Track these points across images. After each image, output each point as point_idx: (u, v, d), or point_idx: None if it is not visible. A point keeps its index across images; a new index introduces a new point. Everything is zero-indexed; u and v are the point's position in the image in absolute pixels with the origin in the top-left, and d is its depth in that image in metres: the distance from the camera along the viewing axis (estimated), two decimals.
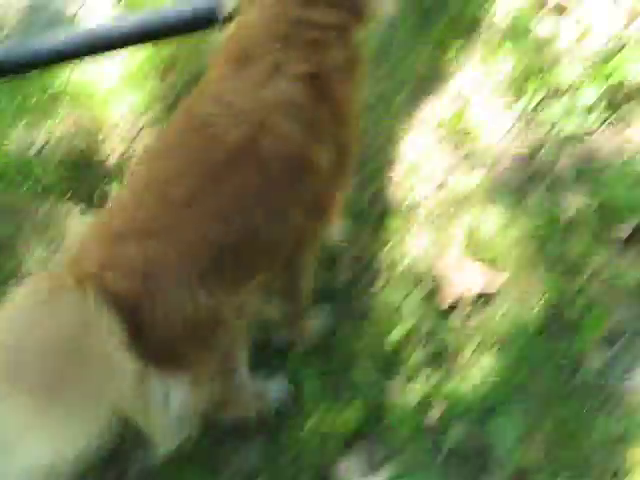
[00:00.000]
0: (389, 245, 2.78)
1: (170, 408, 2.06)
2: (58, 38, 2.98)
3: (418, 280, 2.63)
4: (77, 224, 2.85)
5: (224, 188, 2.12)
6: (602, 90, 2.86)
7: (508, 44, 2.95)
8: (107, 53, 2.97)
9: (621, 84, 2.86)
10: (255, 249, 2.22)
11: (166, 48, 3.07)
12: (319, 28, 2.28)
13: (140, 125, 2.95)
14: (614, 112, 2.85)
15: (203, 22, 2.91)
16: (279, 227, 2.27)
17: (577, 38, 2.96)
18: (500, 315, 2.54)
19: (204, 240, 2.07)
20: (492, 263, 2.65)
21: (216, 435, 2.51)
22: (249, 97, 2.17)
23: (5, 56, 3.01)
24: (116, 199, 2.31)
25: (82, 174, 2.91)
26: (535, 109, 2.87)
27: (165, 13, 2.97)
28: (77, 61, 3.01)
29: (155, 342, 2.01)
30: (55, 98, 2.96)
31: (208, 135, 2.13)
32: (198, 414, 2.19)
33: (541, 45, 2.93)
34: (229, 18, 2.44)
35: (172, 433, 2.14)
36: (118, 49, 2.96)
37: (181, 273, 2.03)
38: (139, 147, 2.90)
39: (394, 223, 2.80)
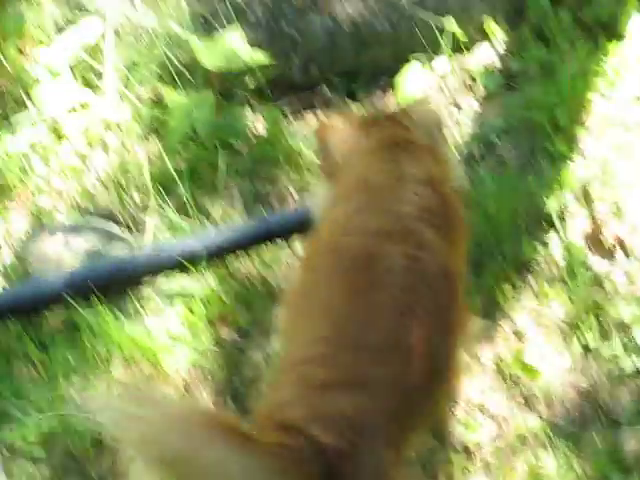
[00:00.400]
0: None
1: None
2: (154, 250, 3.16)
3: None
4: None
5: (417, 329, 2.10)
6: None
7: (564, 280, 2.96)
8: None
9: None
10: (439, 389, 2.25)
11: (216, 304, 3.05)
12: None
13: (195, 375, 2.93)
14: None
15: (297, 227, 3.07)
16: (454, 357, 2.29)
17: (633, 274, 2.94)
18: None
19: (404, 391, 2.04)
20: None
21: None
22: (390, 217, 2.26)
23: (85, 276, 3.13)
24: (307, 345, 2.21)
25: None
26: (593, 346, 2.83)
27: (268, 219, 3.17)
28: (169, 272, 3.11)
29: None
30: (111, 351, 2.99)
31: (376, 269, 2.16)
32: None
33: (597, 281, 2.93)
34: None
35: None
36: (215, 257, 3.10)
37: (390, 432, 2.00)
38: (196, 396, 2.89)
39: (454, 463, 2.71)
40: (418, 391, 2.10)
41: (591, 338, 2.79)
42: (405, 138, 2.53)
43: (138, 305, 3.03)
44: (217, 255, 3.16)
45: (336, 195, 2.52)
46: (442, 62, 3.56)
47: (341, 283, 2.17)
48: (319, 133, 2.73)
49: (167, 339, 2.93)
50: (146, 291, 3.10)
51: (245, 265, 3.15)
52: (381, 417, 1.94)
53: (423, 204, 2.27)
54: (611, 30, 3.43)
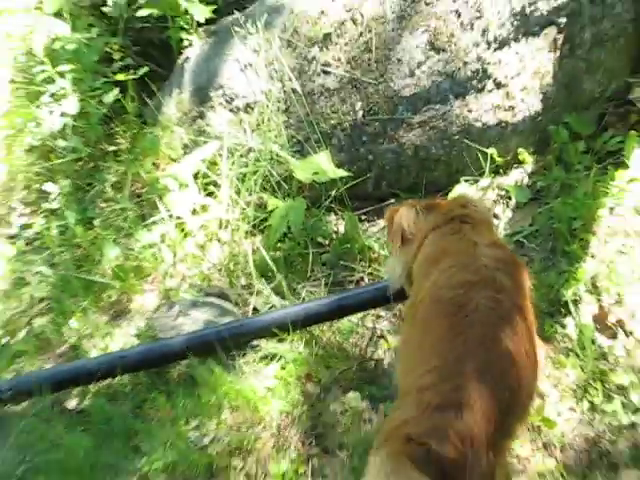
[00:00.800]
0: None
1: None
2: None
3: None
4: None
5: (504, 357, 2.22)
6: None
7: (577, 353, 3.14)
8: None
9: None
10: (521, 406, 2.30)
11: (303, 364, 3.23)
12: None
13: (285, 420, 3.08)
14: None
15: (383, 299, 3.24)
16: (533, 382, 2.36)
17: (631, 349, 3.10)
18: None
19: (497, 407, 2.13)
20: None
21: None
22: (472, 271, 2.42)
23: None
24: (421, 376, 2.27)
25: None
26: (598, 404, 3.01)
27: (360, 290, 3.41)
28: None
29: None
30: (220, 400, 3.12)
31: (467, 311, 2.28)
32: None
33: (603, 354, 3.09)
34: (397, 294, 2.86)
35: None
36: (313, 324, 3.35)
37: (492, 440, 2.08)
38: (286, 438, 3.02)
39: None
40: (518, 407, 2.26)
41: (597, 398, 2.99)
42: (463, 213, 2.74)
43: (242, 363, 3.26)
44: (303, 325, 3.36)
45: (421, 263, 2.70)
46: (485, 182, 3.72)
47: (442, 326, 2.30)
48: (389, 214, 2.95)
49: (264, 391, 3.11)
50: (249, 353, 3.32)
51: (325, 334, 3.37)
52: (484, 429, 2.03)
53: (495, 257, 2.46)
54: (618, 159, 3.62)
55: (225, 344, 3.34)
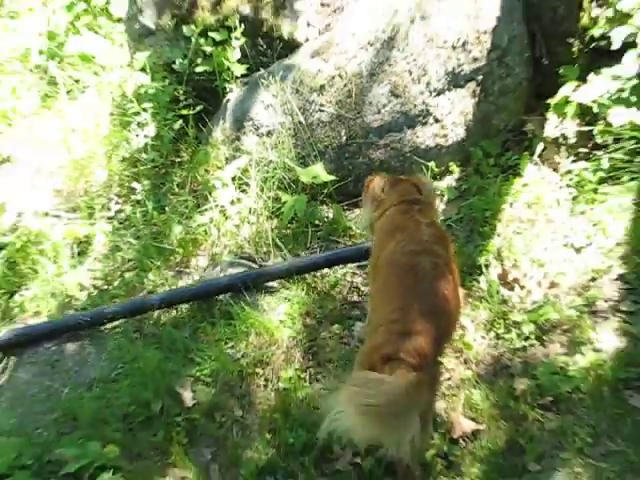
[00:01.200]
0: None
1: (415, 444, 2.01)
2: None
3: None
4: None
5: (439, 297, 2.16)
6: (532, 328, 2.83)
7: (487, 299, 2.98)
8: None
9: (547, 321, 2.82)
10: (451, 333, 2.28)
11: (304, 304, 3.08)
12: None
13: (292, 343, 2.96)
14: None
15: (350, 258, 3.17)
16: (458, 316, 2.36)
17: (524, 298, 2.95)
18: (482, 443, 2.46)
19: (443, 334, 2.14)
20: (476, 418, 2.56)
21: None
22: (418, 243, 2.31)
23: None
24: (388, 313, 2.17)
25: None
26: (501, 334, 2.88)
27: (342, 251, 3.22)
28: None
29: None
30: (248, 328, 3.03)
31: (416, 272, 2.19)
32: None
33: (504, 300, 2.98)
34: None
35: (410, 455, 2.11)
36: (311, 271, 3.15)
37: (437, 354, 2.13)
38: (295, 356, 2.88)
39: None
40: (448, 333, 2.24)
41: (500, 330, 2.87)
42: (416, 197, 2.57)
43: (264, 303, 3.13)
44: (299, 274, 3.18)
45: (381, 231, 2.55)
46: None
47: (399, 281, 2.23)
48: (367, 182, 2.78)
49: (278, 322, 3.00)
50: (267, 296, 3.19)
51: (319, 284, 3.22)
52: (431, 348, 2.02)
53: (433, 234, 2.37)
54: (515, 171, 3.46)
55: (249, 287, 3.16)
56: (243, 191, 3.56)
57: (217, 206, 3.49)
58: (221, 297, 3.16)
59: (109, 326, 3.15)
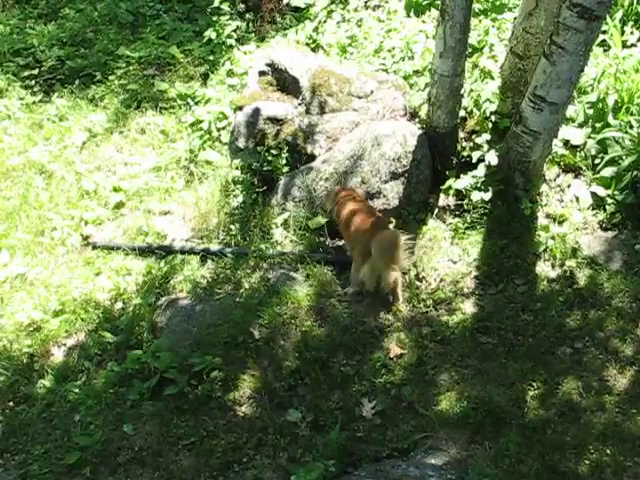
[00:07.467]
0: None
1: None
2: None
3: None
4: None
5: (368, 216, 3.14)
6: (431, 302, 3.40)
7: (409, 285, 3.42)
8: None
9: (438, 299, 3.34)
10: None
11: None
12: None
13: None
14: None
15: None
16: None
17: (425, 286, 3.55)
18: (405, 360, 3.01)
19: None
20: None
21: None
22: (367, 213, 3.17)
23: None
24: (357, 217, 3.14)
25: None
26: (416, 305, 3.33)
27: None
28: None
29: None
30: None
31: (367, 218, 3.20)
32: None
33: (417, 287, 3.45)
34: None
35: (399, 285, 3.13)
36: None
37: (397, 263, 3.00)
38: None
39: None
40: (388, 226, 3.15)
41: (415, 302, 3.33)
42: (356, 195, 3.43)
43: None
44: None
45: (346, 214, 3.29)
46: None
47: (365, 238, 3.07)
48: (335, 192, 3.55)
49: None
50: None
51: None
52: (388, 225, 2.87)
53: (368, 207, 3.30)
54: (424, 222, 3.78)
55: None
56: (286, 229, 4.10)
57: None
58: None
59: None
